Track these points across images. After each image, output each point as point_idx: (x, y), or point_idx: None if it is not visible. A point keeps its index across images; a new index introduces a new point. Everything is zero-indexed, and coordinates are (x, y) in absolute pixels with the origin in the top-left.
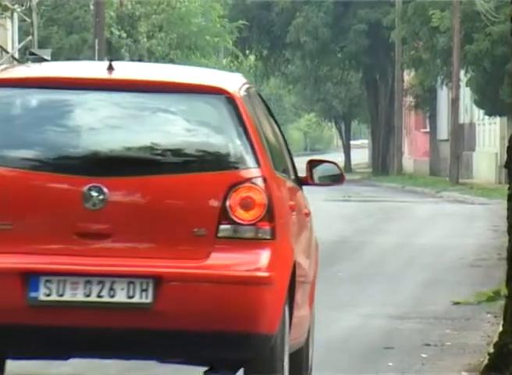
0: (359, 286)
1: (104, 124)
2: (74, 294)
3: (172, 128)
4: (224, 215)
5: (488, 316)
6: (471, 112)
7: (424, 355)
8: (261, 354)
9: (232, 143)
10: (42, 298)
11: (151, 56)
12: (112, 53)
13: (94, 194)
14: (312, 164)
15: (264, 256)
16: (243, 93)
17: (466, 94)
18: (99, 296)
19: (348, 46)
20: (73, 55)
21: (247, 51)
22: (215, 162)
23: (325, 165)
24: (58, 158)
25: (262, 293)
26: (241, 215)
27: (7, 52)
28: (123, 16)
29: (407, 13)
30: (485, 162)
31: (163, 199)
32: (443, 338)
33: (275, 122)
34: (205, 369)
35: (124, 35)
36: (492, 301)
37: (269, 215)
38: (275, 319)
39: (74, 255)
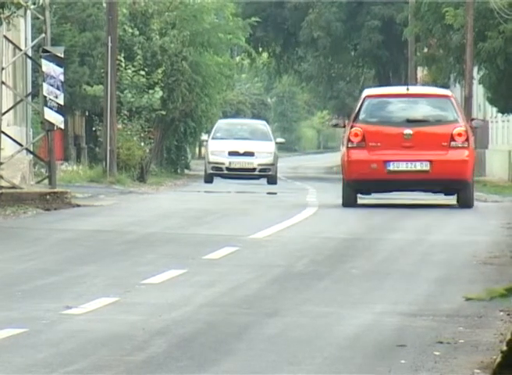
0: (372, 283)
1: (404, 109)
2: (403, 166)
3: (431, 109)
4: (452, 138)
5: (501, 313)
6: (484, 109)
7: (436, 353)
8: (465, 187)
9: (453, 115)
10: (391, 169)
11: (164, 53)
12: (124, 50)
13: (407, 134)
14: (472, 119)
15: (466, 152)
16: (454, 96)
17: (479, 92)
18: (415, 167)
19: (362, 43)
20: (86, 52)
21: (260, 49)
22: (447, 121)
23: (476, 120)
24: (392, 121)
25: (466, 165)
26: (458, 138)
27: (20, 50)
28: (136, 13)
29: (421, 10)
30: (498, 160)
31: (431, 134)
32: (456, 336)
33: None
34: (441, 195)
35: (137, 33)
36: (505, 299)
37: (467, 139)
38: (470, 174)
39: (400, 154)
